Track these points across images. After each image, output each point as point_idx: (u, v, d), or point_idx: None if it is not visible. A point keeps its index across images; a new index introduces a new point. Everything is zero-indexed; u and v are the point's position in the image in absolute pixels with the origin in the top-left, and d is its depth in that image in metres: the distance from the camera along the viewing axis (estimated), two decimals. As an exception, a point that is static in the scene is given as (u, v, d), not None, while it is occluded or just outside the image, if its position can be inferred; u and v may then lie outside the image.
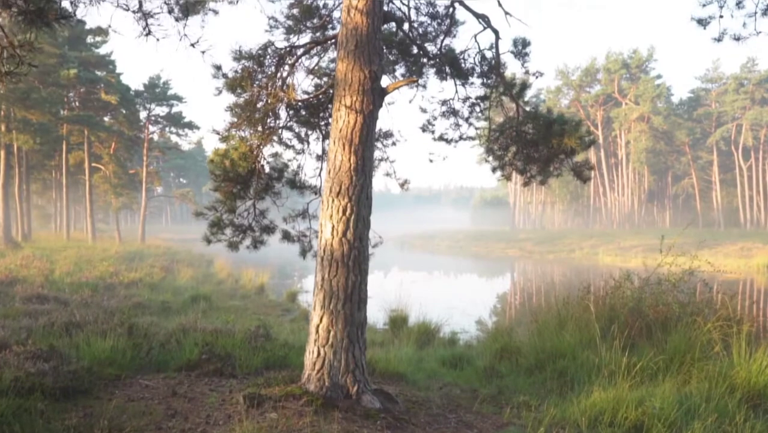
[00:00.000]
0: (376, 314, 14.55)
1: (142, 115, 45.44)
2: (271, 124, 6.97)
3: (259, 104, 6.38)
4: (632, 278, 9.53)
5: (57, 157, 42.32)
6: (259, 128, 6.80)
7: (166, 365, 6.90)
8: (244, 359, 7.02)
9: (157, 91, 44.80)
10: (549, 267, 42.63)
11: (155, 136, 52.25)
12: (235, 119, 6.38)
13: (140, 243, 42.74)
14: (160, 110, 46.62)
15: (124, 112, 39.49)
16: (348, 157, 5.37)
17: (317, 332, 5.34)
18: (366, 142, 5.43)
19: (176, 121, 47.30)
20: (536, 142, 7.28)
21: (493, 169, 8.30)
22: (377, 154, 7.95)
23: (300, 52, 6.50)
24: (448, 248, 68.95)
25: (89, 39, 39.58)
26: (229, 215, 6.91)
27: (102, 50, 40.63)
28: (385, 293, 15.55)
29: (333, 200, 5.37)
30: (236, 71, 6.31)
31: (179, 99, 45.83)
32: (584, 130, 6.58)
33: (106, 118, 41.57)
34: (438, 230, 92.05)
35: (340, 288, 5.28)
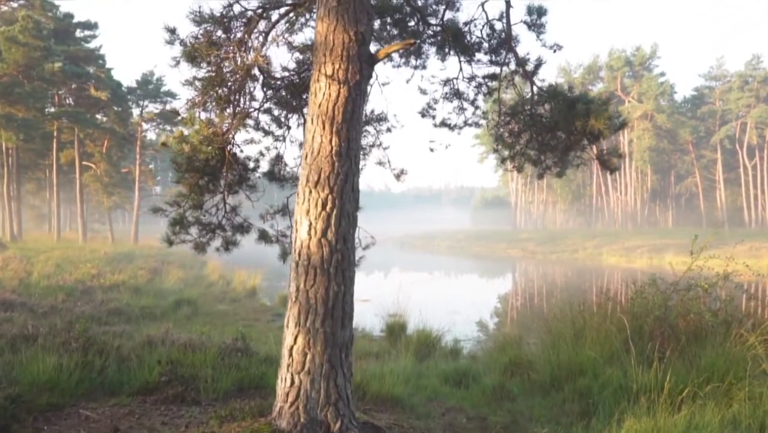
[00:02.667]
0: (372, 319, 13.55)
1: (135, 112, 44.33)
2: (245, 105, 5.93)
3: (228, 78, 5.35)
4: (658, 283, 8.48)
5: (50, 156, 41.25)
6: (229, 109, 5.76)
7: (121, 388, 5.88)
8: (213, 379, 5.99)
9: (150, 87, 43.66)
10: (553, 268, 41.60)
11: (153, 135, 51.18)
12: (196, 96, 5.35)
13: (133, 243, 41.66)
14: (154, 107, 45.50)
15: (115, 109, 38.36)
16: (329, 139, 4.34)
17: (291, 355, 4.31)
18: (351, 121, 4.40)
19: (171, 118, 46.12)
20: (554, 126, 6.25)
21: (502, 160, 7.27)
22: (368, 139, 6.93)
23: (275, 17, 5.49)
24: (449, 248, 67.93)
25: (78, 33, 38.45)
26: (194, 212, 5.87)
27: (91, 45, 39.51)
28: (383, 296, 14.52)
29: (310, 192, 4.34)
30: (196, 37, 5.28)
31: (174, 96, 44.74)
32: (613, 110, 5.55)
33: (98, 116, 40.44)
34: (438, 230, 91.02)
35: (319, 301, 4.25)
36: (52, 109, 36.22)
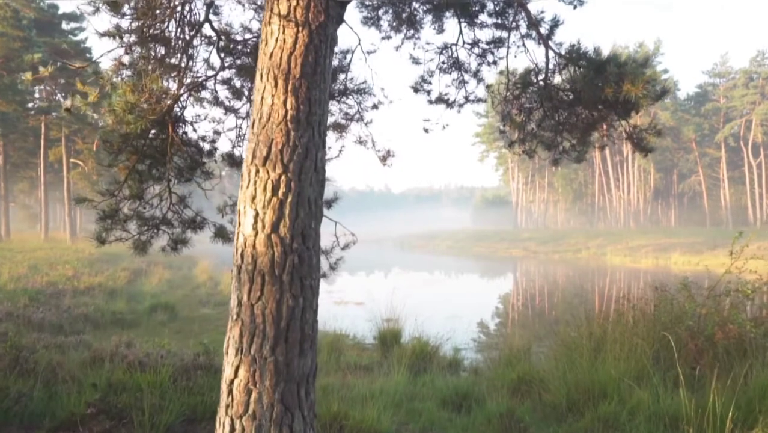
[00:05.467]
0: (364, 325, 12.43)
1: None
2: (195, 72, 4.80)
3: (167, 35, 4.23)
4: (689, 287, 7.36)
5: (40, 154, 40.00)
6: (175, 78, 4.63)
7: (41, 420, 4.76)
8: (157, 409, 4.87)
9: (143, 83, 42.34)
10: (557, 268, 40.45)
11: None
12: (120, 50, 4.23)
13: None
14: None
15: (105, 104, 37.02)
16: (282, 100, 3.21)
17: (230, 393, 3.18)
18: (313, 76, 3.27)
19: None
20: (573, 100, 5.13)
21: (510, 144, 6.14)
22: (344, 109, 5.78)
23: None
24: (449, 248, 66.85)
25: (64, 26, 37.22)
26: (132, 203, 4.75)
27: (78, 37, 38.22)
28: (379, 299, 13.39)
29: (257, 172, 3.21)
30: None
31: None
32: (650, 73, 4.42)
33: (88, 112, 39.22)
34: (439, 229, 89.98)
35: (269, 319, 3.13)
36: (39, 104, 35.01)
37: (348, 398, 5.99)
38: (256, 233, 3.17)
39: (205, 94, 5.15)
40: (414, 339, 9.82)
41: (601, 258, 46.49)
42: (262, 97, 3.28)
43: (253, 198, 3.20)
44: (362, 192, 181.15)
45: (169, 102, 4.14)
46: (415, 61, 6.08)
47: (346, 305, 19.16)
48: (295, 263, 3.17)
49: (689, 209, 78.91)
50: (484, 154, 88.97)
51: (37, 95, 37.57)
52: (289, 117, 3.21)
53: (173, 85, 4.67)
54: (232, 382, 3.18)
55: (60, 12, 36.28)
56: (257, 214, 3.17)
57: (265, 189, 3.17)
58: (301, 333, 3.20)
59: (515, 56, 5.79)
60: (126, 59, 4.25)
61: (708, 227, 66.30)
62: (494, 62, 5.82)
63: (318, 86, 3.31)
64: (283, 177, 3.17)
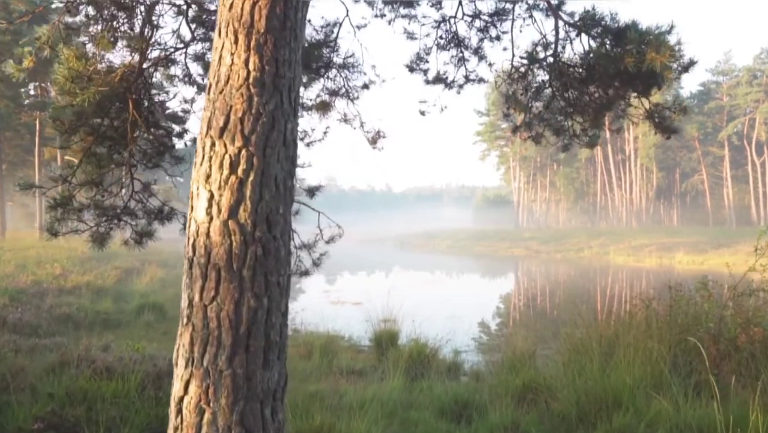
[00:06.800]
0: (361, 326, 11.89)
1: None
2: (163, 44, 4.25)
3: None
4: (709, 286, 6.82)
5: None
6: (137, 49, 4.07)
7: (-16, 436, 4.21)
8: (118, 421, 4.33)
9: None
10: (560, 268, 39.90)
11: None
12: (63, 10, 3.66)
13: (120, 241, 39.85)
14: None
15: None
16: (244, 59, 2.66)
17: (179, 412, 2.63)
18: (281, 31, 2.72)
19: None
20: (586, 77, 4.57)
21: (515, 129, 5.58)
22: (328, 84, 5.21)
23: None
24: (450, 247, 66.30)
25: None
26: (88, 191, 4.19)
27: (73, 33, 37.64)
28: (378, 298, 12.83)
29: (213, 145, 2.66)
30: None
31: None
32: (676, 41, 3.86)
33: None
34: (439, 229, 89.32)
35: (224, 324, 2.57)
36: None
37: (336, 407, 5.46)
38: (211, 219, 2.61)
39: (176, 70, 4.61)
40: (412, 341, 9.30)
41: (604, 257, 45.95)
42: (221, 56, 2.73)
43: (208, 177, 2.64)
44: (363, 191, 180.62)
45: (121, 71, 3.59)
46: (410, 36, 5.52)
47: (343, 305, 18.65)
48: (258, 256, 2.62)
49: (692, 208, 78.30)
50: (485, 153, 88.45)
51: (32, 91, 37.06)
52: (251, 79, 2.65)
53: (136, 57, 4.12)
54: (181, 399, 2.63)
55: (53, 5, 35.76)
56: (212, 196, 2.62)
57: (221, 166, 2.62)
58: (266, 340, 2.64)
59: (521, 30, 5.25)
60: (72, 21, 3.72)
61: (711, 226, 65.74)
62: (497, 37, 5.25)
63: (287, 44, 2.76)
64: (243, 151, 2.62)
